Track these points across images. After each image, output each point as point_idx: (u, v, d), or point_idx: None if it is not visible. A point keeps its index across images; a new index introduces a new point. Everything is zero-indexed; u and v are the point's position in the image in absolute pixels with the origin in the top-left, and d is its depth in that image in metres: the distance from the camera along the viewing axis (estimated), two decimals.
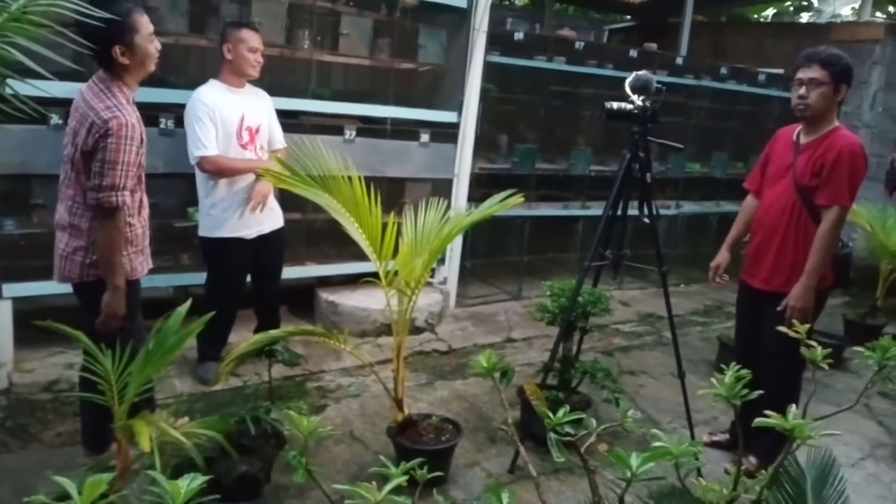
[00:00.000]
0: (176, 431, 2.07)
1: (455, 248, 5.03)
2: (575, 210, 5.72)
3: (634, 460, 1.28)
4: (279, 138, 3.69)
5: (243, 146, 3.46)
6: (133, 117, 2.46)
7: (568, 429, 1.40)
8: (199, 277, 3.74)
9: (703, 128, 6.33)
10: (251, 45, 3.40)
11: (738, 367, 1.58)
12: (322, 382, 3.87)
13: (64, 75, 2.83)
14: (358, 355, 2.88)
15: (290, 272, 4.35)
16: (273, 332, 2.72)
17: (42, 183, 3.59)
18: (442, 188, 4.80)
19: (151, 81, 3.79)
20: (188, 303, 2.34)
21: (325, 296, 4.57)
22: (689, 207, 6.42)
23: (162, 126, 3.68)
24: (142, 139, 2.51)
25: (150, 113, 3.52)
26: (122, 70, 2.49)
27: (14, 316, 3.57)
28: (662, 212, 6.09)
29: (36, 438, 3.09)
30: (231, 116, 3.41)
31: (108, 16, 2.12)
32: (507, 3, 9.70)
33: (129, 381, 2.20)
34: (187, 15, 3.86)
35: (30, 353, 3.70)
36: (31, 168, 3.50)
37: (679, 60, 6.11)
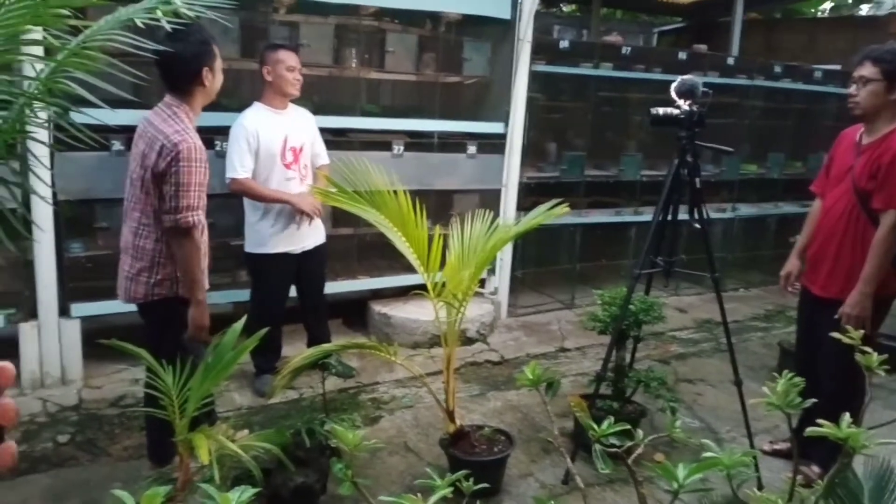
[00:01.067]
0: (233, 444, 2.13)
1: (505, 258, 5.04)
2: (627, 216, 5.66)
3: (681, 471, 1.26)
4: (323, 155, 3.78)
5: (287, 166, 3.56)
6: (199, 140, 2.57)
7: (613, 440, 1.39)
8: None
9: (757, 128, 6.18)
10: (289, 65, 3.49)
11: (792, 374, 1.54)
12: (376, 394, 3.91)
13: (123, 104, 2.97)
14: (408, 367, 2.92)
15: (342, 286, 4.44)
16: (325, 346, 2.77)
17: (105, 207, 3.74)
18: (490, 199, 4.82)
19: (207, 106, 3.96)
20: (243, 319, 2.41)
21: (378, 308, 4.63)
22: (745, 210, 6.26)
23: (217, 148, 3.80)
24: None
25: (205, 136, 3.66)
26: (195, 94, 2.61)
27: (82, 334, 3.74)
28: (718, 215, 6.03)
29: (104, 452, 3.22)
30: (274, 138, 3.51)
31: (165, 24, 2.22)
32: (554, 11, 9.67)
33: (189, 395, 2.28)
34: (238, 40, 3.99)
35: (98, 369, 3.86)
36: (95, 193, 3.67)
37: (730, 60, 5.99)
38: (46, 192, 3.44)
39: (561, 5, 9.87)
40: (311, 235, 3.75)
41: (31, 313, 3.61)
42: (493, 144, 4.76)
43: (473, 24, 4.66)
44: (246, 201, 3.62)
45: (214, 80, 2.64)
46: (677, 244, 3.16)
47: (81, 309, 3.71)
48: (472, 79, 4.84)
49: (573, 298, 5.49)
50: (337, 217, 4.26)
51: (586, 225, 5.44)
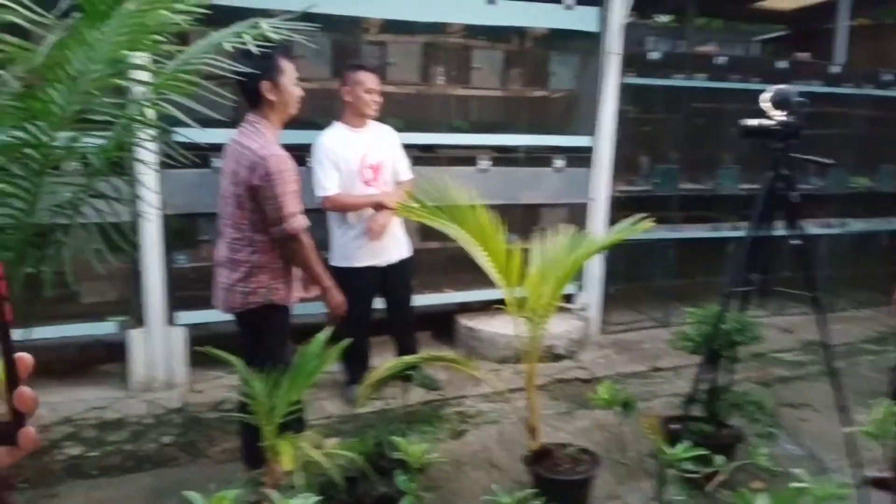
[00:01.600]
0: (317, 452, 2.19)
1: (596, 274, 4.95)
2: (724, 231, 5.43)
3: (762, 502, 1.20)
4: (405, 171, 3.83)
5: (366, 183, 3.64)
6: (282, 151, 2.69)
7: (690, 465, 1.33)
8: None
9: (865, 139, 5.80)
10: (367, 87, 3.58)
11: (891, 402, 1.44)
12: (462, 407, 3.92)
13: (219, 124, 3.15)
14: (489, 382, 2.91)
15: (428, 299, 4.49)
16: (406, 358, 2.81)
17: (207, 220, 3.96)
18: (578, 213, 4.76)
19: (301, 123, 4.13)
20: (327, 330, 2.48)
21: (465, 322, 4.65)
22: (855, 225, 5.89)
23: (308, 165, 3.94)
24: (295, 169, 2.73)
25: (297, 153, 3.81)
26: (268, 108, 2.73)
27: (187, 341, 3.95)
28: (825, 230, 5.69)
29: (203, 454, 3.37)
30: (352, 156, 3.60)
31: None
32: (648, 22, 9.47)
33: (277, 402, 2.36)
34: (330, 61, 4.13)
35: (201, 375, 4.06)
36: (198, 207, 3.89)
37: (835, 69, 5.68)
38: (154, 207, 3.69)
39: (655, 16, 9.66)
40: (396, 249, 3.81)
41: (141, 320, 3.86)
42: (581, 158, 4.71)
43: (560, 38, 4.65)
44: (331, 216, 3.73)
45: (281, 94, 2.73)
46: (773, 261, 3.02)
47: (186, 317, 3.94)
48: (559, 93, 4.82)
49: (668, 316, 5.31)
50: (425, 231, 4.32)
51: (681, 240, 5.26)
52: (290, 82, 2.76)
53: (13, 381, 0.55)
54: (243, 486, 2.66)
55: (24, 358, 0.55)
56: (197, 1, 2.03)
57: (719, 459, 1.39)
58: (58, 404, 3.66)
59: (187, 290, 3.97)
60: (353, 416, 3.74)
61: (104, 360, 4.16)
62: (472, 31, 4.49)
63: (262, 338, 2.79)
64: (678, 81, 5.02)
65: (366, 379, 3.03)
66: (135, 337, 3.84)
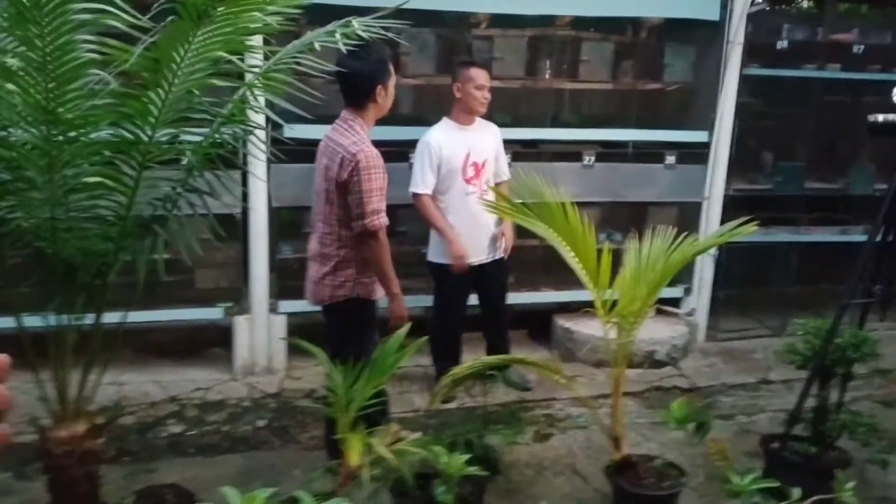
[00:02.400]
0: (385, 449, 2.21)
1: (705, 277, 4.70)
2: (855, 235, 4.98)
3: None
4: (504, 171, 3.80)
5: (468, 181, 3.62)
6: (374, 149, 2.72)
7: (757, 498, 1.22)
8: None
9: None
10: (478, 83, 3.55)
11: None
12: (551, 410, 3.84)
13: (320, 120, 3.23)
14: (573, 386, 2.82)
15: (525, 297, 4.44)
16: (486, 359, 2.78)
17: (310, 213, 4.08)
18: (690, 212, 4.54)
19: (405, 120, 4.17)
20: (407, 325, 2.49)
21: (562, 322, 4.55)
22: None
23: (410, 161, 3.98)
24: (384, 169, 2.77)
25: (399, 149, 3.86)
26: (370, 109, 2.77)
27: (288, 329, 4.11)
28: None
29: (294, 440, 3.50)
30: (456, 153, 3.59)
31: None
32: (784, 9, 8.82)
33: (354, 395, 2.40)
34: (435, 57, 4.14)
35: (299, 362, 4.21)
36: (304, 201, 4.00)
37: None
38: (262, 199, 3.87)
39: (795, 2, 8.98)
40: (492, 248, 3.78)
41: (246, 307, 4.05)
42: (695, 154, 4.47)
43: (676, 28, 4.42)
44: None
45: (387, 97, 2.79)
46: None
47: (287, 306, 4.09)
48: (674, 85, 4.58)
49: (784, 325, 4.94)
50: (522, 228, 4.25)
51: (805, 244, 4.88)
52: (394, 84, 2.81)
53: None
54: (318, 476, 2.74)
55: (1, 358, 0.57)
56: (288, 2, 2.08)
57: (796, 493, 1.26)
58: (168, 383, 3.92)
59: (290, 280, 4.13)
60: (440, 411, 3.75)
61: (215, 344, 4.41)
62: (582, 22, 4.35)
63: (348, 331, 2.86)
64: (808, 72, 4.65)
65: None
66: (240, 323, 4.04)
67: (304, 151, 3.88)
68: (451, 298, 3.85)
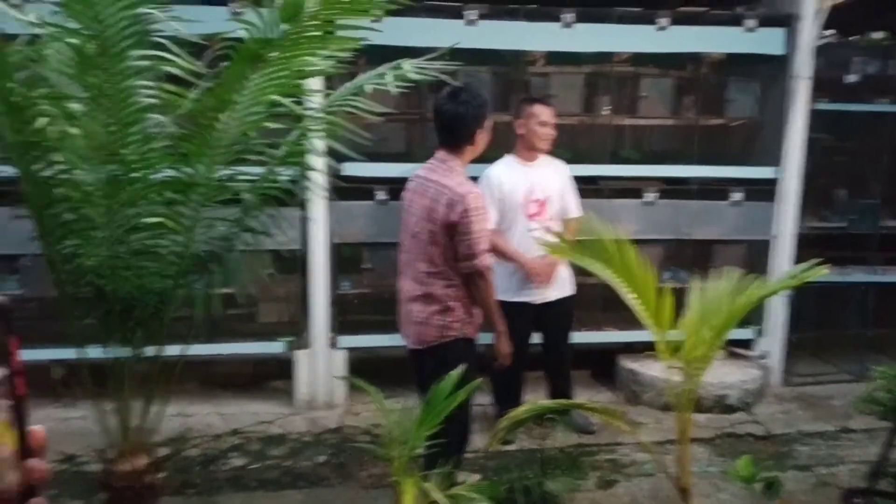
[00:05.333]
0: (440, 494, 2.16)
1: (778, 318, 4.49)
2: None
3: None
4: (573, 208, 3.72)
5: (530, 217, 3.57)
6: (478, 189, 2.74)
7: None
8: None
9: None
10: (542, 120, 3.53)
11: None
12: (616, 455, 3.70)
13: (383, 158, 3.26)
14: (633, 432, 2.71)
15: (587, 336, 4.32)
16: (545, 403, 2.69)
17: (370, 249, 4.13)
18: (758, 250, 4.36)
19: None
20: (460, 368, 2.44)
21: (626, 363, 4.41)
22: None
23: None
24: None
25: None
26: (465, 151, 2.77)
27: (348, 364, 4.12)
28: None
29: (352, 477, 3.47)
30: (517, 189, 3.56)
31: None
32: (856, 40, 8.52)
33: (409, 436, 2.37)
34: (492, 95, 4.15)
35: (359, 397, 4.20)
36: (363, 237, 4.07)
37: None
38: (322, 236, 3.93)
39: (868, 34, 8.66)
40: (556, 288, 3.70)
41: (306, 342, 4.09)
42: (762, 191, 4.31)
43: (740, 63, 4.31)
44: None
45: (484, 138, 2.80)
46: None
47: (347, 341, 4.12)
48: (738, 121, 4.46)
49: (864, 370, 4.65)
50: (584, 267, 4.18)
51: (882, 284, 4.61)
52: (489, 127, 2.82)
53: (26, 452, 0.57)
54: None
55: (37, 432, 0.57)
56: (340, 46, 2.13)
57: None
58: (230, 416, 3.98)
59: (350, 315, 4.15)
60: (501, 453, 3.67)
61: (278, 377, 4.46)
62: (641, 58, 4.30)
63: (450, 371, 2.79)
64: (881, 107, 4.45)
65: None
66: (300, 357, 4.08)
67: (363, 189, 3.97)
68: (513, 337, 3.78)
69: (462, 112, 2.69)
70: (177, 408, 3.96)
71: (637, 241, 2.64)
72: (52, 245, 2.02)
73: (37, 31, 1.88)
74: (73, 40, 1.79)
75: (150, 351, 2.23)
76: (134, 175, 1.94)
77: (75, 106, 1.83)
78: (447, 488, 2.30)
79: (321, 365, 4.10)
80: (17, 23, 1.87)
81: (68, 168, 1.93)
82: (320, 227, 3.90)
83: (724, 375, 4.20)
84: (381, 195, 3.98)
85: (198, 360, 4.07)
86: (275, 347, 4.09)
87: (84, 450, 3.51)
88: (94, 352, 2.22)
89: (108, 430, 2.25)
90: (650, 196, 4.26)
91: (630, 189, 4.30)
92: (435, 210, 2.67)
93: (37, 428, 0.57)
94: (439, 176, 2.72)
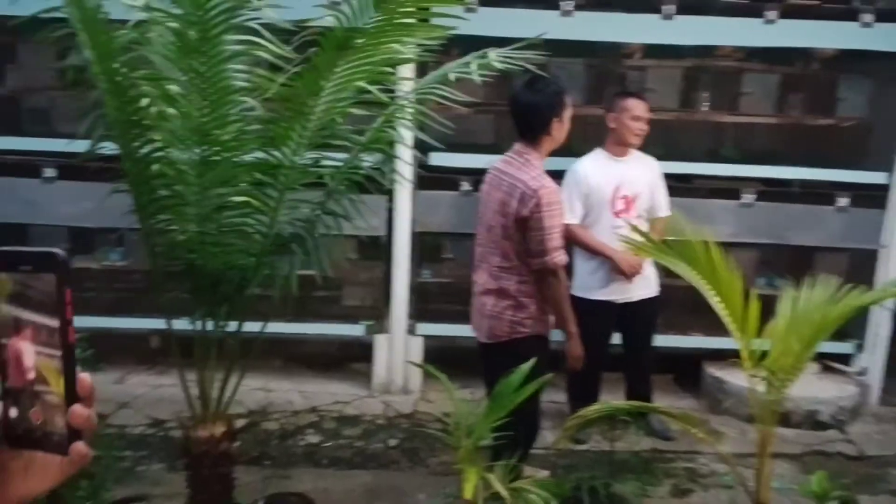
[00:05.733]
0: (501, 486, 2.15)
1: (881, 333, 4.21)
2: None
3: None
4: (662, 206, 3.61)
5: (616, 214, 3.49)
6: (554, 184, 2.68)
7: None
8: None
9: None
10: (635, 114, 3.43)
11: None
12: (694, 464, 3.58)
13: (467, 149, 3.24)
14: (712, 441, 2.61)
15: (671, 340, 4.20)
16: (618, 403, 2.64)
17: (452, 240, 4.15)
18: (863, 261, 4.10)
19: (554, 151, 4.13)
20: (531, 362, 2.42)
21: (712, 370, 4.25)
22: None
23: None
24: None
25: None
26: (544, 142, 2.73)
27: (424, 351, 4.17)
28: None
29: (422, 463, 3.51)
30: (604, 185, 3.47)
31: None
32: None
33: (476, 427, 2.37)
34: (584, 87, 4.08)
35: (434, 384, 4.20)
36: (446, 227, 4.10)
37: None
38: (406, 224, 3.98)
39: None
40: (640, 287, 3.60)
41: (386, 327, 4.16)
42: (872, 197, 4.04)
43: (853, 60, 4.04)
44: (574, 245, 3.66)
45: (562, 129, 2.74)
46: None
47: (425, 329, 4.16)
48: (848, 121, 4.19)
49: None
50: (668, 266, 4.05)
51: None
52: (568, 117, 2.76)
53: (72, 398, 0.60)
54: (444, 500, 2.73)
55: (84, 379, 0.61)
56: (427, 34, 2.13)
57: None
58: (310, 394, 4.11)
59: (428, 302, 4.19)
60: (573, 452, 3.62)
61: (357, 359, 4.56)
62: (747, 53, 4.10)
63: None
64: None
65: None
66: (379, 342, 4.16)
67: (448, 179, 3.99)
68: (592, 336, 3.70)
69: (535, 101, 2.63)
70: (260, 382, 4.12)
71: (731, 244, 2.54)
72: (147, 219, 2.14)
73: (142, 15, 1.98)
74: (176, 25, 1.89)
75: (232, 326, 2.33)
76: (225, 156, 2.02)
77: (174, 87, 1.92)
78: (511, 481, 2.29)
79: (399, 350, 4.16)
80: (125, 7, 1.98)
81: (164, 146, 2.04)
82: (404, 215, 3.95)
83: (817, 390, 3.98)
84: (465, 186, 3.99)
85: (284, 339, 4.23)
86: (355, 330, 4.18)
87: (172, 416, 3.71)
88: (183, 324, 2.34)
89: (191, 399, 2.36)
90: (748, 197, 4.07)
91: (727, 189, 4.12)
92: (508, 204, 2.65)
93: (84, 376, 0.60)
94: (515, 169, 2.68)
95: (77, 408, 0.60)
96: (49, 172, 3.95)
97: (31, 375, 0.60)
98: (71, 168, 3.84)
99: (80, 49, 1.90)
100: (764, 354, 2.48)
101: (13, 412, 0.61)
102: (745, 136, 4.54)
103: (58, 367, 0.60)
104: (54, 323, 0.59)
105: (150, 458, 3.35)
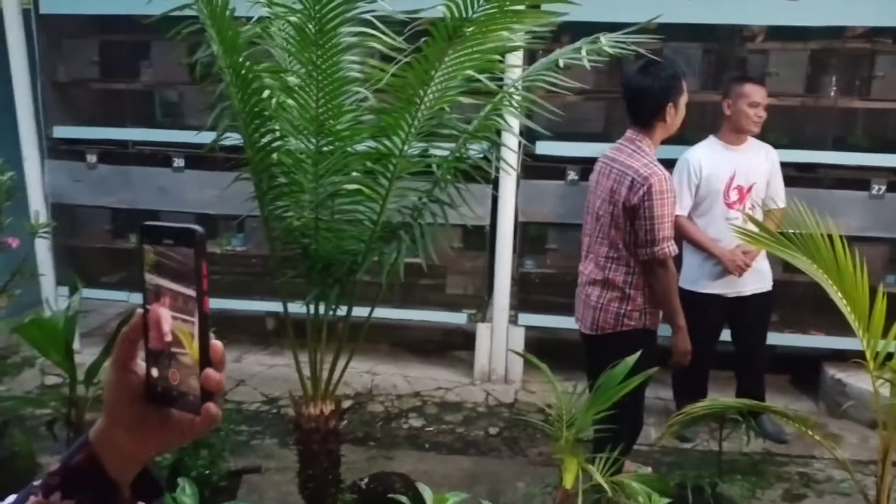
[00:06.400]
0: (601, 478, 2.13)
1: None
2: None
3: None
4: (778, 197, 3.42)
5: (729, 205, 3.35)
6: (666, 172, 2.61)
7: None
8: None
9: None
10: (752, 101, 3.26)
11: None
12: (809, 469, 3.41)
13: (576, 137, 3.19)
14: (830, 446, 2.47)
15: (789, 339, 3.99)
16: (725, 400, 2.54)
17: (557, 230, 4.11)
18: None
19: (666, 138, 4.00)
20: (636, 355, 2.37)
21: (832, 372, 4.01)
22: None
23: None
24: None
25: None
26: (657, 129, 2.66)
27: (526, 341, 4.17)
28: None
29: (522, 452, 3.53)
30: (719, 174, 3.34)
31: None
32: None
33: (577, 418, 2.35)
34: (700, 72, 3.93)
35: (535, 375, 4.23)
36: (550, 217, 4.07)
37: None
38: (509, 214, 3.98)
39: None
40: (752, 281, 3.44)
41: (488, 316, 4.19)
42: None
43: None
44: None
45: (677, 115, 2.66)
46: None
47: (527, 319, 4.16)
48: None
49: None
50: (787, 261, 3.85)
51: None
52: (683, 103, 2.69)
53: (206, 362, 0.65)
54: (538, 492, 2.73)
55: (216, 345, 0.66)
56: (536, 21, 2.12)
57: None
58: (413, 379, 4.20)
59: (530, 293, 4.18)
60: (678, 450, 3.53)
61: (460, 347, 4.62)
62: (879, 33, 3.81)
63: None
64: None
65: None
66: (481, 330, 4.19)
67: (555, 168, 3.94)
68: (700, 331, 3.58)
69: (648, 84, 2.56)
70: (367, 365, 4.26)
71: (858, 239, 2.38)
72: (267, 206, 2.26)
73: (264, 11, 2.08)
74: (295, 19, 1.97)
75: (342, 310, 2.42)
76: (339, 145, 2.10)
77: (293, 79, 2.02)
78: (612, 474, 2.26)
79: (500, 339, 4.18)
80: (249, 4, 2.09)
81: (283, 136, 2.14)
82: (509, 204, 3.95)
83: None
84: (572, 175, 3.94)
85: (390, 325, 4.35)
86: (458, 318, 4.24)
87: (285, 394, 3.90)
88: (297, 307, 2.46)
89: (302, 378, 2.48)
90: (879, 188, 3.80)
91: (855, 179, 3.86)
92: (617, 192, 2.59)
93: (216, 343, 0.66)
94: (626, 156, 2.63)
95: (210, 371, 0.65)
96: (178, 162, 4.23)
97: (169, 338, 0.66)
98: (198, 158, 4.09)
99: (209, 44, 2.02)
100: (890, 356, 2.33)
101: (154, 372, 0.67)
102: (877, 123, 4.22)
103: (192, 333, 0.65)
104: (190, 292, 0.64)
105: (263, 433, 3.54)
